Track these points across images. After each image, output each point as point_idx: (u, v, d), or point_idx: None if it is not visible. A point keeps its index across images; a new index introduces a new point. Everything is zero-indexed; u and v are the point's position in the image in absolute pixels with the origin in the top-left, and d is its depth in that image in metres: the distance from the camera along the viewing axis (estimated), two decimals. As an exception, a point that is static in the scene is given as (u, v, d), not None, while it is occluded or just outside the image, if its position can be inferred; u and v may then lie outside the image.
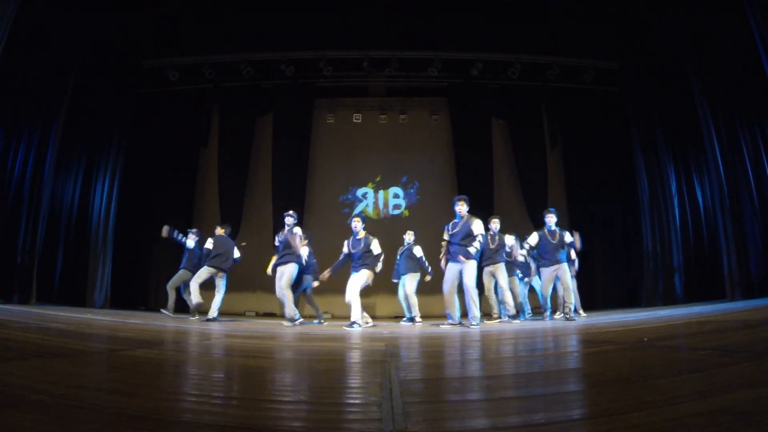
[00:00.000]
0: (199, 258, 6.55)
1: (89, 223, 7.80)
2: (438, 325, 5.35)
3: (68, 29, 6.78)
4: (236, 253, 6.48)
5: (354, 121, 9.52)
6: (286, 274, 5.49)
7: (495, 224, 6.01)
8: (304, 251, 5.88)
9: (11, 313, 4.72)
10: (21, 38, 5.86)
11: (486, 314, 6.10)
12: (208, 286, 6.30)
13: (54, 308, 6.13)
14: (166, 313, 6.57)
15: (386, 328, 5.40)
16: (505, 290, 5.71)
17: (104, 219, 7.88)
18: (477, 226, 4.96)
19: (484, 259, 5.78)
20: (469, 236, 4.93)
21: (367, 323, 5.46)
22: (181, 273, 6.63)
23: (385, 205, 9.67)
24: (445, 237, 5.15)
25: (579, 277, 6.80)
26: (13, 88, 6.23)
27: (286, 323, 5.41)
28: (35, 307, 6.09)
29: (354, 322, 5.11)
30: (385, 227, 9.10)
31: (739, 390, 1.20)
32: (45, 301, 6.63)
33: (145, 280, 8.60)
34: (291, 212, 5.81)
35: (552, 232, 5.80)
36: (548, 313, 5.93)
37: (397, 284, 6.59)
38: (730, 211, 6.16)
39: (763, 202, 5.80)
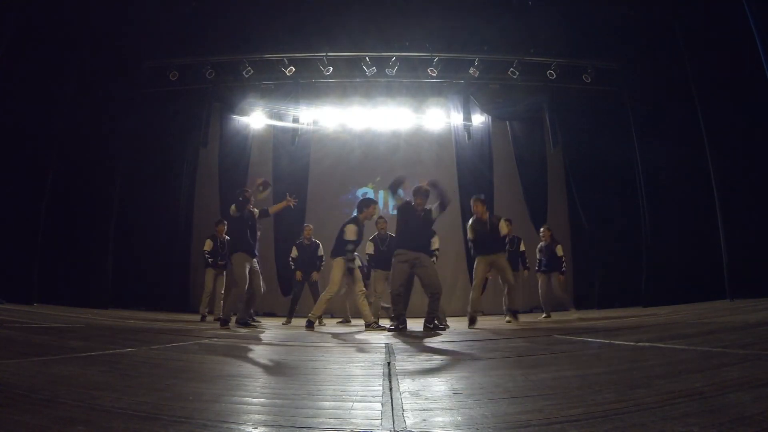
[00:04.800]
0: None
1: (90, 223, 7.77)
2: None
3: (68, 29, 6.77)
4: None
5: (354, 120, 9.50)
6: None
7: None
8: None
9: (12, 312, 4.72)
10: (22, 39, 5.85)
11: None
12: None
13: (54, 308, 6.13)
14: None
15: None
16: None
17: (105, 218, 7.86)
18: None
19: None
20: None
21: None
22: None
23: (385, 205, 9.65)
24: None
25: (578, 275, 6.91)
26: (13, 87, 6.21)
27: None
28: (36, 306, 6.08)
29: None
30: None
31: (739, 390, 1.20)
32: (46, 301, 6.62)
33: (146, 280, 8.57)
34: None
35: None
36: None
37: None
38: (730, 209, 6.15)
39: (762, 200, 5.79)
